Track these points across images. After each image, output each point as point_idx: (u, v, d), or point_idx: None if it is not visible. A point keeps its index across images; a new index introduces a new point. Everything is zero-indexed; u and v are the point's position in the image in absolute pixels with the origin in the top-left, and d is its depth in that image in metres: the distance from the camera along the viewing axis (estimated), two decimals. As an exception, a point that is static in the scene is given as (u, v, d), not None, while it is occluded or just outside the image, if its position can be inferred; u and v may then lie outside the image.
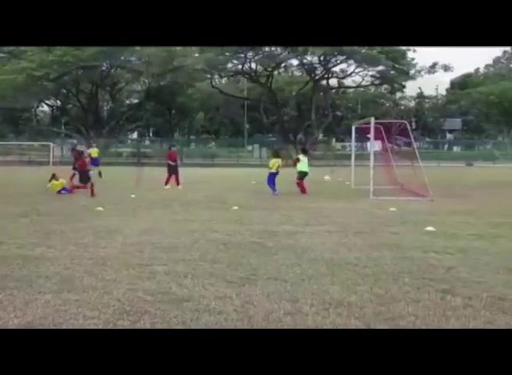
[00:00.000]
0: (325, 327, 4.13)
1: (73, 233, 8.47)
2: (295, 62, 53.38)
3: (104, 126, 55.68)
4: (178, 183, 18.52)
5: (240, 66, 50.50)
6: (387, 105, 74.58)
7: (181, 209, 12.03)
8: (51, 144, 43.41)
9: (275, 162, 16.44)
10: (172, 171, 18.76)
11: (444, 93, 78.54)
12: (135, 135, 76.60)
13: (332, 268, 6.15)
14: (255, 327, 4.13)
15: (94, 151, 22.68)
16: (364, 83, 57.39)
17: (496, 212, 11.63)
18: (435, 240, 8.06)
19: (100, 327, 4.11)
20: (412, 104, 78.40)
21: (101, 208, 11.74)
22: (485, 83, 68.38)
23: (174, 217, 10.62)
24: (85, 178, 15.86)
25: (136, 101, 67.34)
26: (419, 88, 72.65)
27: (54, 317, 4.32)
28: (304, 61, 49.76)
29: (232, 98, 61.16)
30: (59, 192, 15.66)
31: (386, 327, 4.13)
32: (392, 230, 9.02)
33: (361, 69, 50.97)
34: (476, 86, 66.78)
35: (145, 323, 4.20)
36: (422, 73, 52.61)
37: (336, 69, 53.25)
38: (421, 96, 76.26)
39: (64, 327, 4.11)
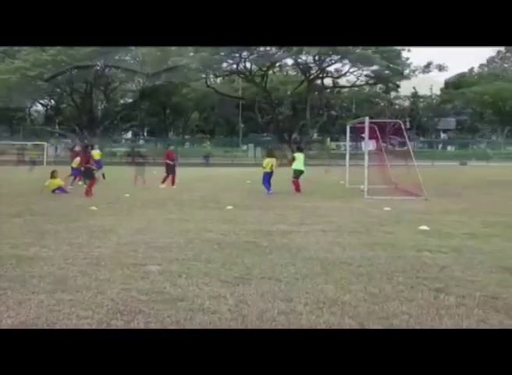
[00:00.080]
0: (318, 326, 4.13)
1: (67, 233, 8.44)
2: (290, 61, 53.60)
3: (99, 125, 55.63)
4: (173, 183, 18.52)
5: (234, 66, 50.61)
6: (382, 104, 74.80)
7: (175, 209, 12.02)
8: (46, 143, 43.32)
9: (268, 162, 16.45)
10: (171, 170, 18.77)
11: (438, 93, 78.81)
12: (129, 135, 76.54)
13: (327, 267, 6.15)
14: (249, 327, 4.13)
15: (96, 153, 22.36)
16: (358, 82, 57.64)
17: (490, 212, 11.67)
18: (429, 239, 8.09)
19: (93, 327, 4.10)
20: (406, 103, 78.63)
21: (95, 208, 11.71)
22: (479, 82, 68.78)
23: (168, 217, 10.60)
24: (89, 174, 15.76)
25: (130, 100, 67.29)
26: (413, 88, 72.92)
27: (47, 317, 4.31)
28: (299, 60, 49.91)
29: (227, 98, 61.21)
30: (54, 191, 15.62)
31: (380, 326, 4.14)
32: (386, 230, 9.04)
33: (356, 68, 51.20)
34: (470, 86, 67.16)
35: (139, 323, 4.19)
36: (417, 72, 52.94)
37: (331, 68, 53.51)
38: (415, 96, 76.51)
39: (57, 327, 4.09)
